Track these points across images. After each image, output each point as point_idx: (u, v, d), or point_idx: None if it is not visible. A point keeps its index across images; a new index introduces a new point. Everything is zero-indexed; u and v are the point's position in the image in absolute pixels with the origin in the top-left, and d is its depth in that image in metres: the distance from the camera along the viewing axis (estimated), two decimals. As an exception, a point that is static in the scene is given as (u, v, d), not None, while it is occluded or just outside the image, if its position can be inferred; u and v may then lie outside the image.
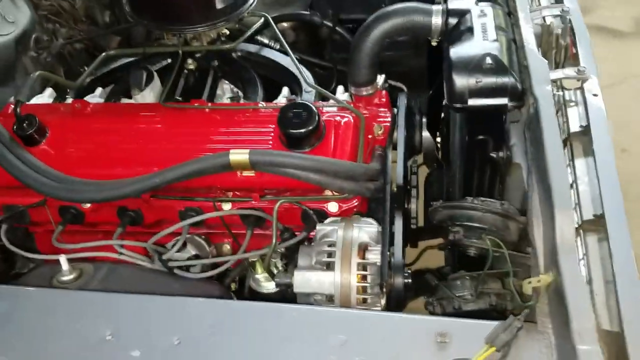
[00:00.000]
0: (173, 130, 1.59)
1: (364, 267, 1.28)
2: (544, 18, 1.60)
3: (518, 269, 1.26)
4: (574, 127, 1.31)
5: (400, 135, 1.62)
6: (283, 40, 1.84)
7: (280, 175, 1.42)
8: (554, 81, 1.37)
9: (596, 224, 1.12)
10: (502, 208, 1.30)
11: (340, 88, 1.79)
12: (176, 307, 1.22)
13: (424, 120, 1.76)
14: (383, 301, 1.27)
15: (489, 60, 1.36)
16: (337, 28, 2.33)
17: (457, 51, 1.40)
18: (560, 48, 1.53)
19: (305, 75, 1.75)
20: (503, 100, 1.36)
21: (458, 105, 1.39)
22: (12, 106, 1.73)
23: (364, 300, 1.27)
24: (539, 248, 1.14)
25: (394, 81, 2.13)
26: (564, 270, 1.02)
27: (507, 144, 1.41)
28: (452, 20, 1.54)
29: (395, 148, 1.61)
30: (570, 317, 0.97)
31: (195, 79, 1.92)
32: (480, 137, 1.47)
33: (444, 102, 1.46)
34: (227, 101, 1.88)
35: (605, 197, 1.13)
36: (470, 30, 1.47)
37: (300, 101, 1.48)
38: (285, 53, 1.88)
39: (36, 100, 1.85)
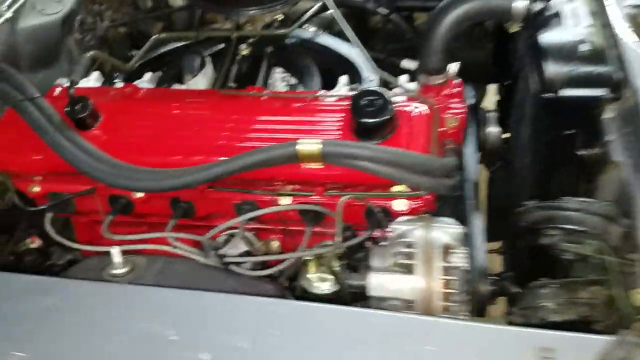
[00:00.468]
0: (231, 118, 1.49)
1: (447, 271, 1.16)
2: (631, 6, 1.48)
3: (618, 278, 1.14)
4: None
5: (471, 129, 1.51)
6: (347, 26, 1.72)
7: (351, 168, 1.31)
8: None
9: None
10: (604, 210, 1.17)
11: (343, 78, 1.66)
12: (246, 307, 1.12)
13: (493, 114, 1.65)
14: (468, 309, 1.16)
15: (584, 47, 1.24)
16: (392, 16, 2.21)
17: (548, 37, 1.29)
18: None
19: (373, 64, 1.63)
20: (600, 92, 1.24)
21: (548, 96, 1.27)
22: (58, 88, 1.66)
23: (447, 308, 1.16)
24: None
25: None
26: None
27: (601, 140, 1.28)
28: (537, 5, 1.41)
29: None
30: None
31: (248, 65, 1.81)
32: (567, 132, 1.35)
33: (517, 95, 1.35)
34: (284, 89, 1.77)
35: None
36: (558, 15, 1.35)
37: (374, 88, 1.36)
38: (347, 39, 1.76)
39: (82, 84, 1.76)
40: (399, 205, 1.43)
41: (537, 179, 1.53)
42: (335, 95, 1.56)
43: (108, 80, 1.82)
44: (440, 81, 1.54)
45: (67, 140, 1.38)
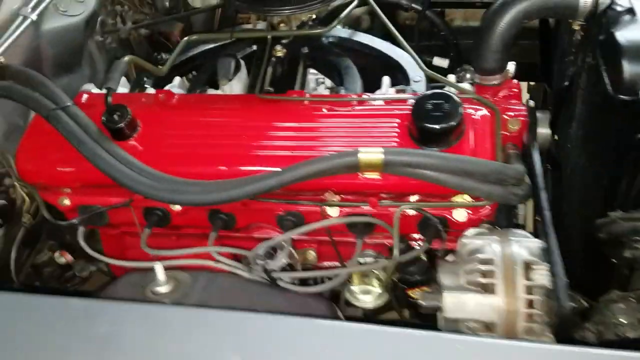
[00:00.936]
0: (278, 125, 1.39)
1: (530, 289, 1.07)
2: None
3: None
4: None
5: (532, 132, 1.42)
6: (389, 23, 1.63)
7: (414, 178, 1.22)
8: None
9: None
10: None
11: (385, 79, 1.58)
12: (313, 330, 1.03)
13: (546, 115, 1.56)
14: (552, 330, 1.07)
15: (666, 45, 1.15)
16: (427, 13, 2.12)
17: (626, 35, 1.19)
18: None
19: (421, 64, 1.54)
20: (683, 93, 1.15)
21: (625, 98, 1.18)
22: (85, 95, 1.56)
23: (531, 329, 1.07)
24: None
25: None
26: None
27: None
28: (605, 1, 1.32)
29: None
30: None
31: (283, 67, 1.72)
32: (640, 136, 1.26)
33: (576, 95, 1.26)
34: (323, 92, 1.68)
35: None
36: (631, 11, 1.26)
37: (440, 90, 1.27)
38: (391, 38, 1.67)
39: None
40: (460, 215, 1.34)
41: (600, 184, 1.44)
42: (382, 98, 1.47)
43: (135, 85, 1.73)
44: (497, 82, 1.45)
45: (107, 152, 1.28)
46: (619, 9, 1.28)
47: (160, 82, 1.73)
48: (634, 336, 1.16)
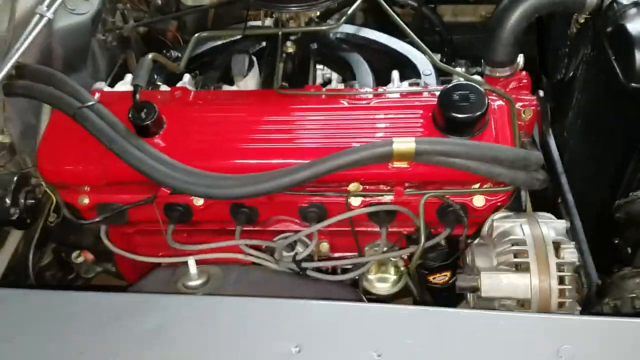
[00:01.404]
0: (302, 119, 1.42)
1: (561, 267, 1.14)
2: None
3: None
4: None
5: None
6: (397, 18, 1.68)
7: (444, 166, 1.27)
8: None
9: None
10: None
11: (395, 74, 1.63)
12: (364, 316, 1.07)
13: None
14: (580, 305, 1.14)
15: (674, 36, 1.23)
16: (423, 9, 2.18)
17: (635, 27, 1.27)
18: None
19: (433, 58, 1.59)
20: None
21: (637, 86, 1.26)
22: (97, 94, 1.56)
23: (562, 305, 1.14)
24: None
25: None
26: None
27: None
28: (609, -6, 1.40)
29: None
30: None
31: (292, 63, 1.75)
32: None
33: (584, 85, 1.32)
34: (338, 86, 1.71)
35: None
36: (637, 5, 1.34)
37: (466, 82, 1.32)
38: (398, 32, 1.72)
39: (118, 87, 1.66)
40: (479, 201, 1.40)
41: (604, 170, 1.52)
42: (400, 91, 1.52)
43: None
44: (507, 73, 1.52)
45: (137, 149, 1.29)
46: (624, 2, 1.36)
47: (169, 80, 1.73)
48: (648, 309, 1.24)
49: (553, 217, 1.25)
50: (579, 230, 1.20)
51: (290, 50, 1.74)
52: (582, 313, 1.14)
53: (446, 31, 2.29)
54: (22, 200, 1.31)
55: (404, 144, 1.23)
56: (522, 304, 1.15)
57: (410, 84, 1.60)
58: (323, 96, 1.52)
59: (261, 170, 1.32)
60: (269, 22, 1.85)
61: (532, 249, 1.15)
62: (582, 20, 1.47)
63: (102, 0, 1.85)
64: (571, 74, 1.73)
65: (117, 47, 2.04)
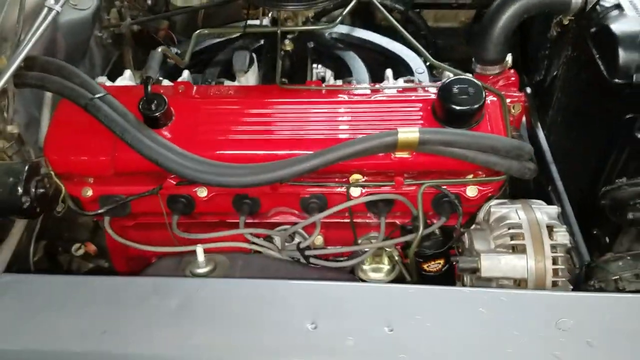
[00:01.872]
0: (306, 112, 1.48)
1: (554, 249, 1.23)
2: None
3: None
4: None
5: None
6: (391, 18, 1.75)
7: (443, 155, 1.34)
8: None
9: None
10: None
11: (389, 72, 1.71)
12: (374, 294, 1.13)
13: None
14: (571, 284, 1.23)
15: (653, 36, 1.34)
16: (409, 13, 2.27)
17: (619, 27, 1.37)
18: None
19: (427, 55, 1.67)
20: (668, 77, 1.34)
21: (620, 81, 1.36)
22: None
23: (556, 284, 1.22)
24: None
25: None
26: None
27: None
28: (593, -2, 1.51)
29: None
30: None
31: (292, 60, 1.81)
32: (629, 115, 1.44)
33: (566, 82, 1.40)
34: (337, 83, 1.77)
35: None
36: (619, 7, 1.45)
37: (465, 76, 1.40)
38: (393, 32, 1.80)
39: (118, 82, 1.69)
40: (472, 191, 1.48)
41: (586, 161, 1.62)
42: (397, 87, 1.59)
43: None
44: (497, 71, 1.61)
45: (148, 138, 1.33)
46: (606, 5, 1.46)
47: (168, 75, 1.77)
48: (633, 289, 1.34)
49: (544, 203, 1.34)
50: (569, 214, 1.29)
51: (288, 48, 1.80)
52: (574, 291, 1.23)
53: (431, 35, 2.38)
54: (33, 190, 1.32)
55: (409, 133, 1.30)
56: (519, 284, 1.23)
57: (406, 81, 1.68)
58: (323, 91, 1.59)
59: (268, 160, 1.37)
60: (266, 21, 1.90)
61: (527, 231, 1.23)
62: (566, 22, 1.56)
63: (101, -2, 1.89)
64: (552, 75, 1.84)
65: (112, 44, 2.07)
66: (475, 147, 1.31)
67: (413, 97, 1.50)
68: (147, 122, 1.40)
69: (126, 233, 1.68)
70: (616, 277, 1.36)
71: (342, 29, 1.93)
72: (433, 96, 1.47)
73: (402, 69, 1.81)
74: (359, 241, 1.62)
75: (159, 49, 1.44)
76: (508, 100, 1.55)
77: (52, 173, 1.40)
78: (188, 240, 1.52)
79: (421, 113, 1.44)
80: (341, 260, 1.58)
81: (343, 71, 1.81)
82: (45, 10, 1.43)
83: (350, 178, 1.49)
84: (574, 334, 1.04)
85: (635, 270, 1.35)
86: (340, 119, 1.45)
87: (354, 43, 1.90)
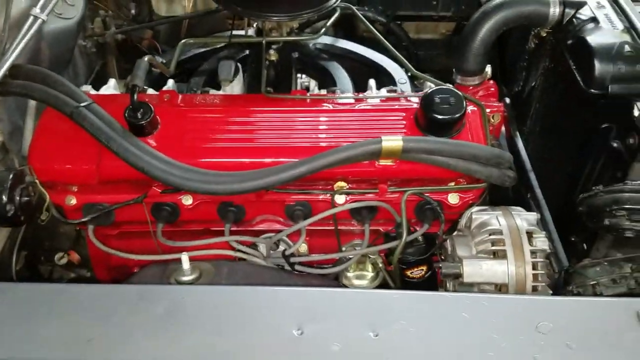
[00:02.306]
0: (291, 120, 1.50)
1: (534, 254, 1.26)
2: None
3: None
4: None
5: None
6: (374, 30, 1.79)
7: (426, 163, 1.37)
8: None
9: None
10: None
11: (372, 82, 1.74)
12: (359, 300, 1.14)
13: None
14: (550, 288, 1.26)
15: (628, 47, 1.39)
16: (391, 25, 2.32)
17: (595, 39, 1.42)
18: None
19: (409, 66, 1.71)
20: (640, 88, 1.39)
21: (596, 92, 1.41)
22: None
23: (536, 288, 1.25)
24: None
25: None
26: None
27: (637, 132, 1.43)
28: (568, 11, 1.56)
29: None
30: None
31: (277, 70, 1.83)
32: (605, 125, 1.49)
33: (545, 93, 1.43)
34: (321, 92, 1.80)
35: None
36: (594, 20, 1.50)
37: (447, 87, 1.44)
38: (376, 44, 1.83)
39: (102, 91, 1.70)
40: (454, 199, 1.51)
41: (562, 169, 1.66)
42: (380, 97, 1.62)
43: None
44: (476, 82, 1.65)
45: (134, 146, 1.33)
46: (583, 17, 1.51)
47: (153, 84, 1.78)
48: (610, 293, 1.37)
49: (524, 210, 1.37)
50: (548, 221, 1.32)
51: (273, 58, 1.82)
52: (553, 295, 1.26)
53: (412, 46, 2.42)
54: (18, 198, 1.32)
55: (393, 142, 1.32)
56: (500, 289, 1.26)
57: (388, 91, 1.71)
58: (308, 100, 1.61)
59: (254, 168, 1.38)
60: (251, 31, 1.92)
61: (508, 237, 1.26)
62: (544, 35, 1.61)
63: (85, 6, 1.89)
64: (530, 85, 1.89)
65: (96, 53, 2.07)
66: (457, 155, 1.34)
67: (396, 107, 1.53)
68: (133, 130, 1.41)
69: (109, 242, 1.68)
70: (594, 282, 1.39)
71: (326, 39, 1.97)
72: (415, 106, 1.50)
73: (384, 79, 1.84)
74: (343, 248, 1.64)
75: (145, 58, 1.44)
76: (488, 110, 1.59)
77: (37, 181, 1.39)
78: (172, 249, 1.53)
79: (404, 122, 1.47)
80: (326, 268, 1.60)
81: (327, 81, 1.84)
82: (31, 18, 1.43)
83: (335, 185, 1.51)
84: (553, 337, 1.06)
85: (612, 275, 1.39)
86: (324, 127, 1.48)
87: (337, 53, 1.94)
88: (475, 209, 1.40)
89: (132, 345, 1.06)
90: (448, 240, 1.38)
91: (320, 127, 1.47)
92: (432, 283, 1.58)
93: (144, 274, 1.47)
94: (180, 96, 1.61)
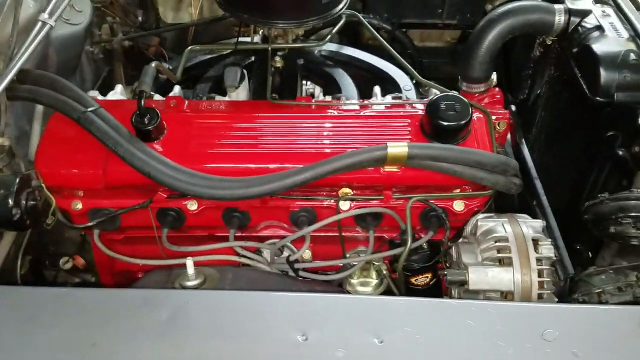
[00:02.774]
0: (297, 127, 1.50)
1: (540, 262, 1.25)
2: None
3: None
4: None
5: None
6: (380, 38, 1.80)
7: (432, 170, 1.37)
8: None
9: None
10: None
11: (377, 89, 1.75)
12: (364, 306, 1.14)
13: None
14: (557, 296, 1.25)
15: (633, 56, 1.39)
16: (397, 32, 2.32)
17: (600, 47, 1.42)
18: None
19: (414, 73, 1.71)
20: (648, 97, 1.39)
21: (602, 100, 1.41)
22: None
23: (542, 296, 1.25)
24: None
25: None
26: None
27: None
28: (574, 20, 1.56)
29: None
30: None
31: (282, 77, 1.84)
32: (610, 133, 1.49)
33: (549, 102, 1.44)
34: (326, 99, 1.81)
35: None
36: (600, 28, 1.50)
37: (452, 94, 1.44)
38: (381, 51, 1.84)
39: (109, 96, 1.71)
40: (459, 206, 1.51)
41: (567, 177, 1.66)
42: (385, 104, 1.63)
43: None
44: (482, 89, 1.65)
45: (141, 152, 1.34)
46: (588, 26, 1.52)
47: (159, 90, 1.79)
48: (615, 302, 1.36)
49: (530, 217, 1.37)
50: (554, 228, 1.32)
51: (279, 65, 1.83)
52: (559, 303, 1.25)
53: (417, 54, 2.43)
54: (24, 202, 1.33)
55: (398, 148, 1.32)
56: (506, 296, 1.25)
57: (394, 98, 1.71)
58: (313, 107, 1.61)
59: (260, 174, 1.39)
60: (257, 39, 1.93)
61: (514, 245, 1.26)
62: (549, 43, 1.61)
63: (92, 12, 1.90)
64: (536, 94, 1.89)
65: (103, 59, 2.09)
66: (463, 163, 1.34)
67: (401, 113, 1.53)
68: (140, 135, 1.41)
69: (114, 247, 1.68)
70: (599, 291, 1.38)
71: (331, 47, 1.97)
72: (421, 113, 1.50)
73: (389, 86, 1.84)
74: (348, 255, 1.64)
75: (153, 64, 1.45)
76: (494, 117, 1.59)
77: (43, 186, 1.40)
78: (177, 254, 1.53)
79: (410, 129, 1.47)
80: (330, 274, 1.59)
81: (332, 88, 1.85)
82: (40, 24, 1.44)
83: (340, 192, 1.51)
84: (560, 345, 1.06)
85: (617, 283, 1.38)
86: (330, 134, 1.48)
87: (342, 61, 1.94)
88: (481, 216, 1.40)
89: (136, 349, 1.06)
90: (454, 248, 1.38)
91: (326, 133, 1.47)
92: (436, 291, 1.58)
93: (149, 279, 1.47)
94: (186, 102, 1.61)
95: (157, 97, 1.69)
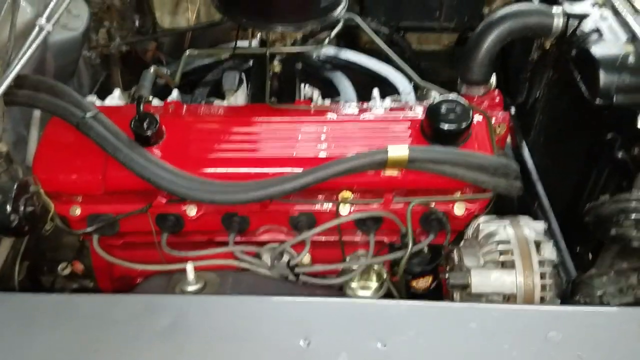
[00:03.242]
0: (296, 130, 1.49)
1: (542, 264, 1.25)
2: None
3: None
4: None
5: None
6: (379, 40, 1.80)
7: (433, 173, 1.37)
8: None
9: None
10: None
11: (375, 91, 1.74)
12: (367, 310, 1.13)
13: None
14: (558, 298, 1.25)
15: (631, 58, 1.39)
16: (394, 35, 2.32)
17: (599, 50, 1.42)
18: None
19: (414, 75, 1.71)
20: (646, 99, 1.39)
21: (601, 103, 1.41)
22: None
23: (544, 298, 1.24)
24: None
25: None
26: None
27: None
28: (572, 23, 1.56)
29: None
30: None
31: (280, 81, 1.83)
32: (610, 136, 1.49)
33: (547, 105, 1.44)
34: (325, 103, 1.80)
35: None
36: (598, 31, 1.51)
37: (452, 97, 1.43)
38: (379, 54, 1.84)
39: (107, 101, 1.70)
40: (460, 209, 1.51)
41: (567, 179, 1.66)
42: (382, 107, 1.62)
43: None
44: (481, 92, 1.65)
45: (141, 157, 1.33)
46: (586, 29, 1.52)
47: (157, 95, 1.78)
48: (617, 303, 1.36)
49: (531, 219, 1.36)
50: (555, 230, 1.31)
51: (277, 69, 1.83)
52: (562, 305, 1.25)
53: (415, 57, 2.43)
54: (22, 208, 1.31)
55: (399, 151, 1.32)
56: (508, 299, 1.25)
57: (393, 100, 1.71)
58: (312, 110, 1.61)
59: (259, 178, 1.38)
60: (255, 42, 1.93)
61: (516, 247, 1.25)
62: (547, 46, 1.62)
63: (89, 17, 1.89)
64: (534, 96, 1.89)
65: (100, 64, 2.08)
66: (464, 165, 1.33)
67: (401, 116, 1.53)
68: (139, 140, 1.40)
69: (112, 252, 1.67)
70: (601, 293, 1.38)
71: (330, 50, 1.97)
72: (420, 115, 1.50)
73: (388, 89, 1.84)
74: (347, 259, 1.63)
75: (151, 69, 1.45)
76: (493, 120, 1.59)
77: (41, 191, 1.39)
78: (177, 259, 1.52)
79: (409, 131, 1.47)
80: (330, 278, 1.59)
81: (331, 91, 1.84)
82: (37, 29, 1.43)
83: (340, 196, 1.50)
84: (564, 348, 1.05)
85: (619, 285, 1.38)
86: (329, 137, 1.47)
87: (341, 64, 1.94)
88: (482, 218, 1.40)
89: (136, 355, 1.05)
90: (455, 251, 1.37)
91: (325, 137, 1.47)
92: (437, 294, 1.57)
93: (149, 284, 1.46)
94: (185, 107, 1.61)
95: (156, 101, 1.68)
